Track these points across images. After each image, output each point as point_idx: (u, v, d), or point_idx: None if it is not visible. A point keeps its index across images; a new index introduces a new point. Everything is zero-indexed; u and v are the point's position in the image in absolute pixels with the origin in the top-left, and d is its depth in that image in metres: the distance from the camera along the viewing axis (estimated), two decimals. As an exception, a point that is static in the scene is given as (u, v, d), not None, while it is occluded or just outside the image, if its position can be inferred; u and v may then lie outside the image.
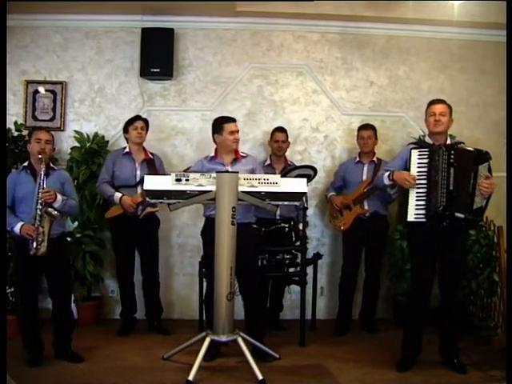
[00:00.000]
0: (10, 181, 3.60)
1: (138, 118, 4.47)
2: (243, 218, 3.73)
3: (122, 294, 4.50)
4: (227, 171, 3.74)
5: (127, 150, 4.43)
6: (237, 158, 3.93)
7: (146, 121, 4.49)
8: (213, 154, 3.95)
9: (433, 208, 3.45)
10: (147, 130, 4.49)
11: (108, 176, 4.36)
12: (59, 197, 3.58)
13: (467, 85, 5.19)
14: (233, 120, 3.93)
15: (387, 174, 3.67)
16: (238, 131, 3.91)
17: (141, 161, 4.40)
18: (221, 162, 3.88)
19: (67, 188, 3.73)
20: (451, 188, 3.43)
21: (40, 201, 3.48)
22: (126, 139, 4.46)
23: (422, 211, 3.48)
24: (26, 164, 3.68)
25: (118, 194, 4.27)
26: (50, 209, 3.49)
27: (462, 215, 3.43)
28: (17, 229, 3.48)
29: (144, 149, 4.47)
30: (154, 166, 4.41)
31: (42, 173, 3.51)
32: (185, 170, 4.24)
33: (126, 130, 4.42)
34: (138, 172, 4.36)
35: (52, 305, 3.72)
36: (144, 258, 4.49)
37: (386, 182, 3.70)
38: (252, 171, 3.85)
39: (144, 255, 4.49)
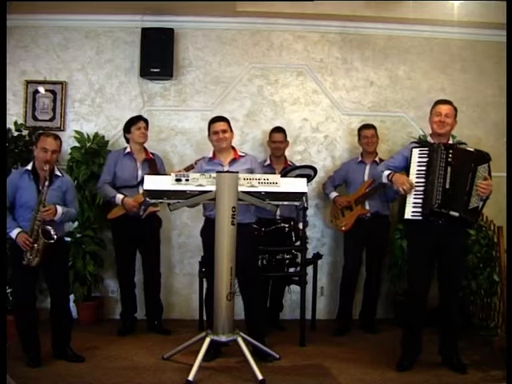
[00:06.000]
0: (11, 182, 3.51)
1: (140, 118, 4.46)
2: (243, 218, 3.71)
3: (123, 294, 4.50)
4: (227, 171, 3.72)
5: (128, 150, 4.41)
6: (235, 157, 3.91)
7: (146, 121, 4.49)
8: (211, 155, 3.94)
9: (428, 206, 3.45)
10: (147, 129, 4.49)
11: (109, 177, 4.33)
12: (60, 210, 3.51)
13: (467, 85, 5.19)
14: (218, 119, 3.88)
15: (387, 173, 3.66)
16: (223, 131, 3.82)
17: (142, 161, 4.39)
18: (219, 163, 3.86)
19: (68, 197, 3.66)
20: (447, 187, 3.43)
21: (39, 218, 3.42)
22: (127, 139, 4.44)
23: (419, 209, 3.49)
24: (29, 167, 3.58)
25: (119, 196, 4.24)
26: (48, 228, 3.41)
27: (456, 214, 3.43)
28: (13, 235, 3.44)
29: (145, 149, 4.47)
30: (155, 165, 4.40)
31: (46, 189, 3.42)
32: (186, 169, 4.26)
33: (128, 130, 4.40)
34: (140, 172, 4.34)
35: (50, 304, 3.70)
36: (146, 259, 4.48)
37: (384, 180, 3.70)
38: (250, 171, 3.81)
39: (146, 255, 4.48)
